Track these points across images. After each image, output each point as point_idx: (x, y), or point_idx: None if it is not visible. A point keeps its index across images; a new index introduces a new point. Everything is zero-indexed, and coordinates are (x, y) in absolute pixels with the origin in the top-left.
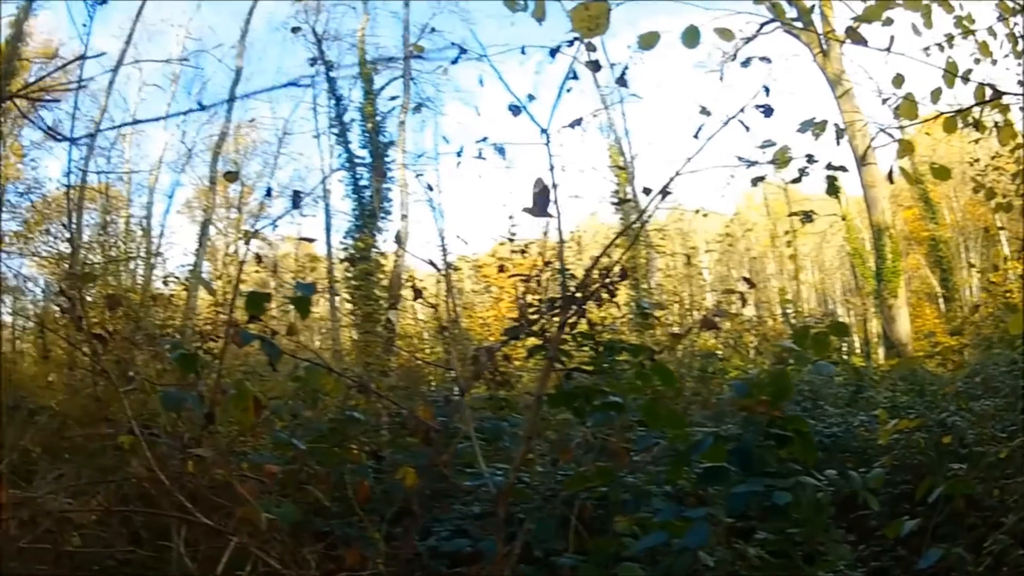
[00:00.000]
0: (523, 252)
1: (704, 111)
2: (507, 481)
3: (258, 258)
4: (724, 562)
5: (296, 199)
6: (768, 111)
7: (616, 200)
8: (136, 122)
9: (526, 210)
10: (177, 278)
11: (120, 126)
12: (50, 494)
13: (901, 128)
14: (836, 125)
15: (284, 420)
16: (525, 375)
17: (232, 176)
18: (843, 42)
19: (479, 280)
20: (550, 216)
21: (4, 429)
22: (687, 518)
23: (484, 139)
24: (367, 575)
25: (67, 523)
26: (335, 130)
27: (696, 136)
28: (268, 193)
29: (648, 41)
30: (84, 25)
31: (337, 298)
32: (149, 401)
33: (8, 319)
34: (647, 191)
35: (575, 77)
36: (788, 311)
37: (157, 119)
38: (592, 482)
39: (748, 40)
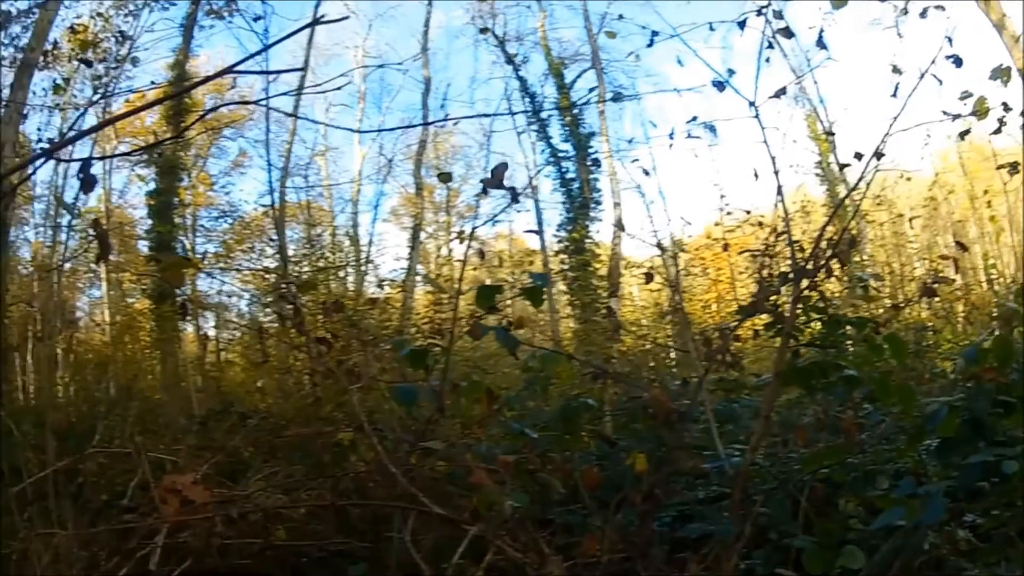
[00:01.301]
0: (759, 224)
1: (896, 69)
2: (745, 462)
3: (481, 254)
4: (934, 546)
5: (514, 195)
6: (958, 61)
7: (822, 171)
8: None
9: (484, 182)
10: (392, 281)
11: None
12: (259, 491)
13: None
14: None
15: (514, 410)
16: (748, 355)
17: (446, 177)
18: None
19: (696, 262)
20: (509, 190)
21: (212, 432)
22: (918, 495)
23: (694, 119)
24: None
25: (275, 518)
26: (534, 127)
27: (894, 95)
28: (485, 191)
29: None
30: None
31: (554, 290)
32: (368, 399)
33: (212, 332)
34: (858, 156)
35: (771, 46)
36: (993, 277)
37: (373, 130)
38: (827, 461)
39: None
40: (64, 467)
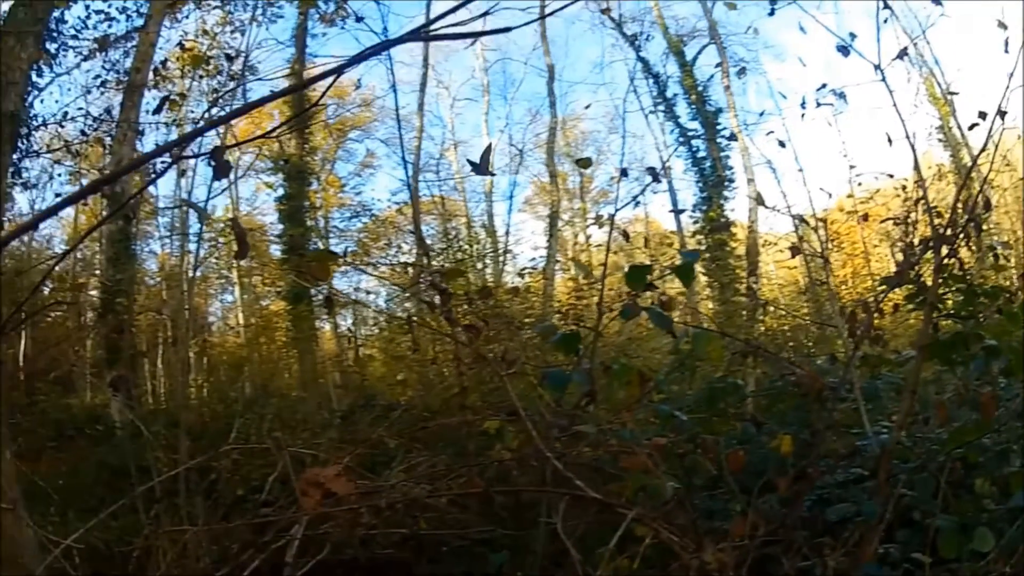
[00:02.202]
0: (899, 191)
1: (1001, 24)
2: (891, 440)
3: (625, 235)
4: None
5: (654, 175)
6: None
7: (943, 135)
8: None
9: (470, 163)
10: (532, 270)
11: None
12: (404, 482)
13: None
14: None
15: (662, 393)
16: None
17: (585, 162)
18: None
19: (832, 236)
20: (492, 175)
21: (354, 425)
22: None
23: (823, 86)
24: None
25: (418, 508)
26: (661, 107)
27: (1006, 51)
28: (624, 173)
29: None
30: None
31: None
32: (515, 386)
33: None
34: (982, 115)
35: (886, 6)
36: None
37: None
38: (969, 438)
39: None
40: (197, 465)
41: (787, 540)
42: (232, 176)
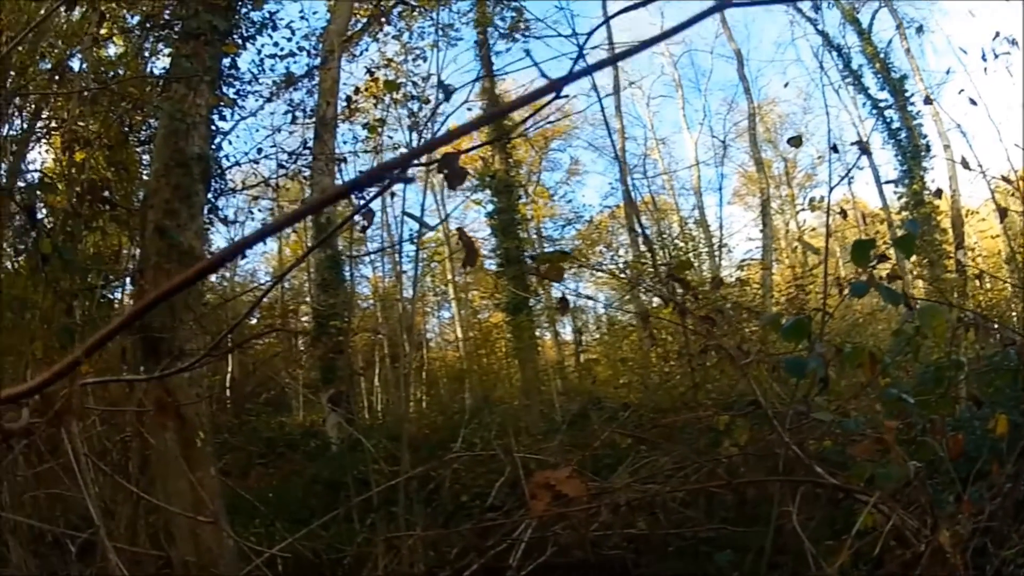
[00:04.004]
0: None
1: None
2: None
3: (843, 213)
4: None
5: (863, 147)
6: None
7: None
8: None
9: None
10: (750, 261)
11: None
12: (633, 482)
13: None
14: None
15: (888, 376)
16: None
17: (797, 141)
18: None
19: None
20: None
21: (580, 429)
22: None
23: (996, 35)
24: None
25: (646, 507)
26: (849, 80)
27: None
28: (835, 149)
29: None
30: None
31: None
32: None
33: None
34: None
35: None
36: None
37: None
38: None
39: None
40: (419, 474)
41: (998, 529)
42: (438, 196)
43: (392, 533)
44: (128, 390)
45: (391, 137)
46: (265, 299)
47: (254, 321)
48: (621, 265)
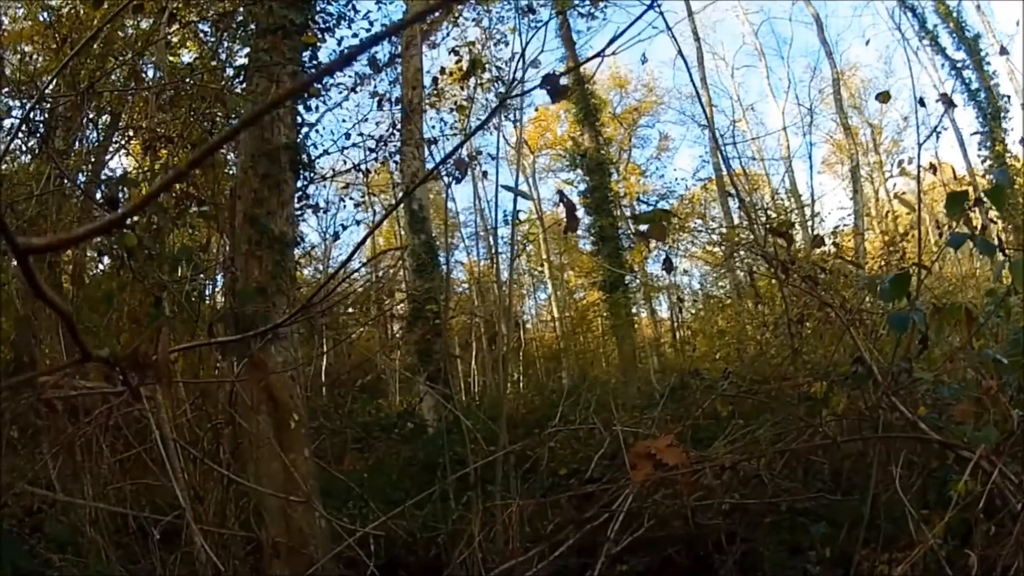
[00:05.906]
0: None
1: None
2: None
3: (933, 168)
4: None
5: (948, 101)
6: None
7: None
8: None
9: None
10: (844, 228)
11: None
12: (729, 454)
13: None
14: None
15: (984, 337)
16: None
17: (885, 96)
18: None
19: None
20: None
21: (679, 402)
22: None
23: None
24: None
25: (746, 477)
26: (926, 41)
27: None
28: (922, 102)
29: None
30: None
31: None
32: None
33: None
34: None
35: None
36: None
37: None
38: None
39: None
40: (515, 450)
41: None
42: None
43: (489, 505)
44: (217, 371)
45: (479, 118)
46: (360, 287)
47: (349, 310)
48: (724, 230)
